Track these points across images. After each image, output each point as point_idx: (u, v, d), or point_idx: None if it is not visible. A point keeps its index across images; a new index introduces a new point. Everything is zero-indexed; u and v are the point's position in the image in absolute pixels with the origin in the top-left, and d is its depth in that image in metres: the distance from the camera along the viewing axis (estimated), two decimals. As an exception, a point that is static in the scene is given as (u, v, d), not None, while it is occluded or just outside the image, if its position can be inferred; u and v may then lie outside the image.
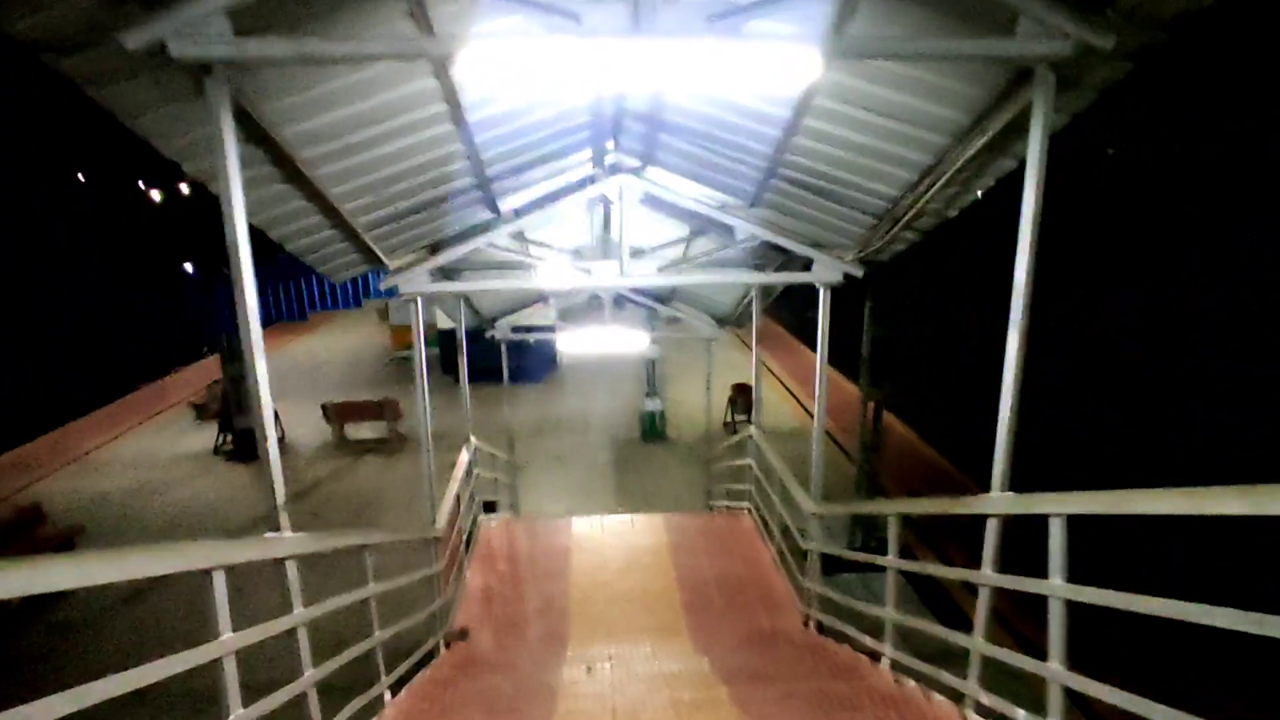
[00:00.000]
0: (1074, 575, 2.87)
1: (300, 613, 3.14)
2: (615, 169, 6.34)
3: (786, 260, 6.93)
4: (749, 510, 8.63)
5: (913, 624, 4.22)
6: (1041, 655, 3.24)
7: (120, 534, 11.31)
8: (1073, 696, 2.93)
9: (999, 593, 3.54)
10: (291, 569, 3.11)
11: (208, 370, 19.71)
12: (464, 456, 7.44)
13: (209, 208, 3.11)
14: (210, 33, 2.65)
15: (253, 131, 3.50)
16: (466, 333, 8.36)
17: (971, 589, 3.78)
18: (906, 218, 4.89)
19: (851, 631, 5.05)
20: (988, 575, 3.41)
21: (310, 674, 3.23)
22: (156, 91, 3.06)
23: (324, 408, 15.07)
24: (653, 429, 15.26)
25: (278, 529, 3.12)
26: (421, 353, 5.75)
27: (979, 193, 4.76)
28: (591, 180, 6.45)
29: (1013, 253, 3.30)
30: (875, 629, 4.76)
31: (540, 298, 11.23)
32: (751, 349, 8.61)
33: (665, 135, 5.60)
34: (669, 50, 2.88)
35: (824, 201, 5.45)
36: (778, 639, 5.89)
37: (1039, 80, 3.01)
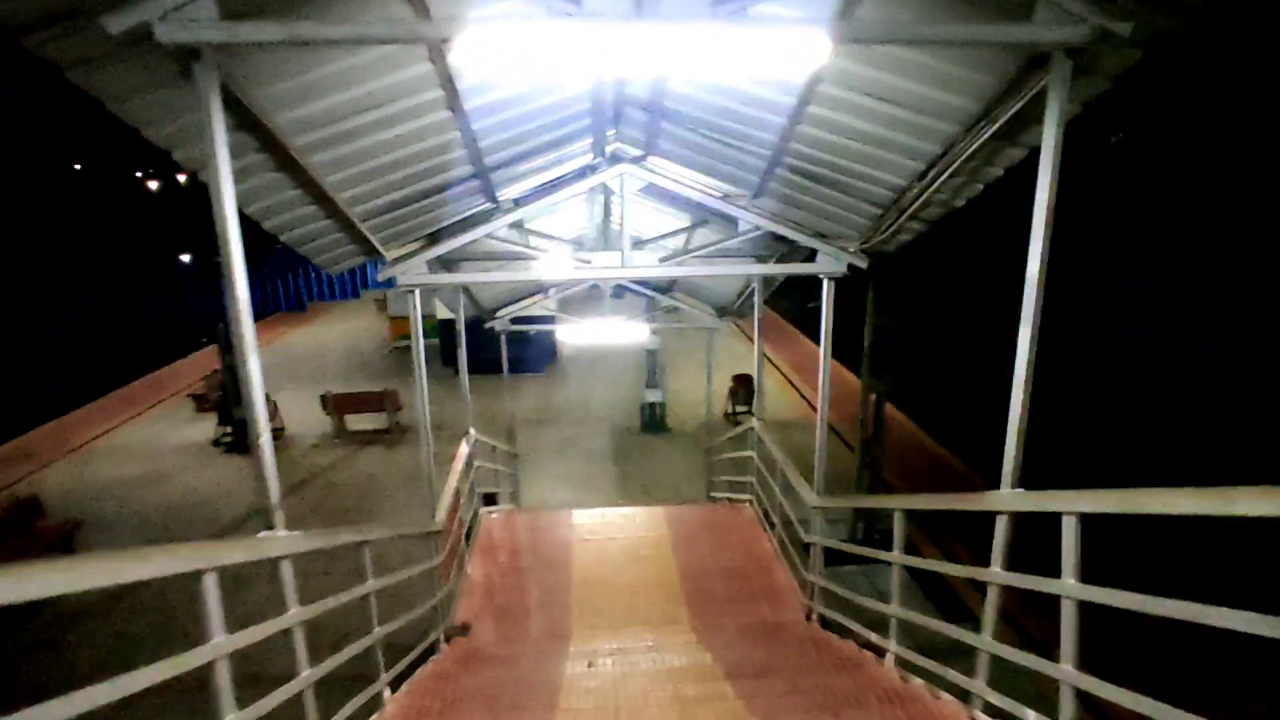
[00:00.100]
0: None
1: (296, 612, 3.08)
2: (616, 158, 6.25)
3: (789, 251, 6.84)
4: (750, 502, 8.58)
5: (919, 621, 4.16)
6: (1047, 652, 3.20)
7: (119, 525, 11.25)
8: (1082, 698, 2.88)
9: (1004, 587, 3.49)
10: (286, 568, 3.04)
11: (207, 360, 19.62)
12: (464, 449, 7.38)
13: (206, 196, 3.03)
14: (198, 16, 2.56)
15: (244, 118, 3.41)
16: (466, 323, 8.28)
17: (976, 583, 3.73)
18: (913, 208, 4.80)
19: (856, 627, 5.00)
20: (996, 573, 3.35)
21: (307, 674, 3.17)
22: (144, 76, 2.97)
23: (323, 398, 14.99)
24: (653, 420, 15.19)
25: (272, 527, 3.05)
26: (420, 346, 5.67)
27: (984, 184, 4.68)
28: (592, 169, 6.36)
29: (1019, 242, 3.22)
30: (879, 622, 4.71)
31: (540, 288, 11.15)
32: (751, 339, 8.54)
33: (667, 123, 5.50)
34: (672, 35, 2.79)
35: (829, 191, 5.35)
36: (780, 632, 5.85)
37: (1055, 66, 2.92)
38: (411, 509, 11.06)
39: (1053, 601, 2.94)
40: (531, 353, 19.17)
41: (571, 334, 11.10)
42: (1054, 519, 2.87)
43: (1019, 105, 3.46)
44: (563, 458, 13.83)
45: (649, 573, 7.20)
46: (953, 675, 3.80)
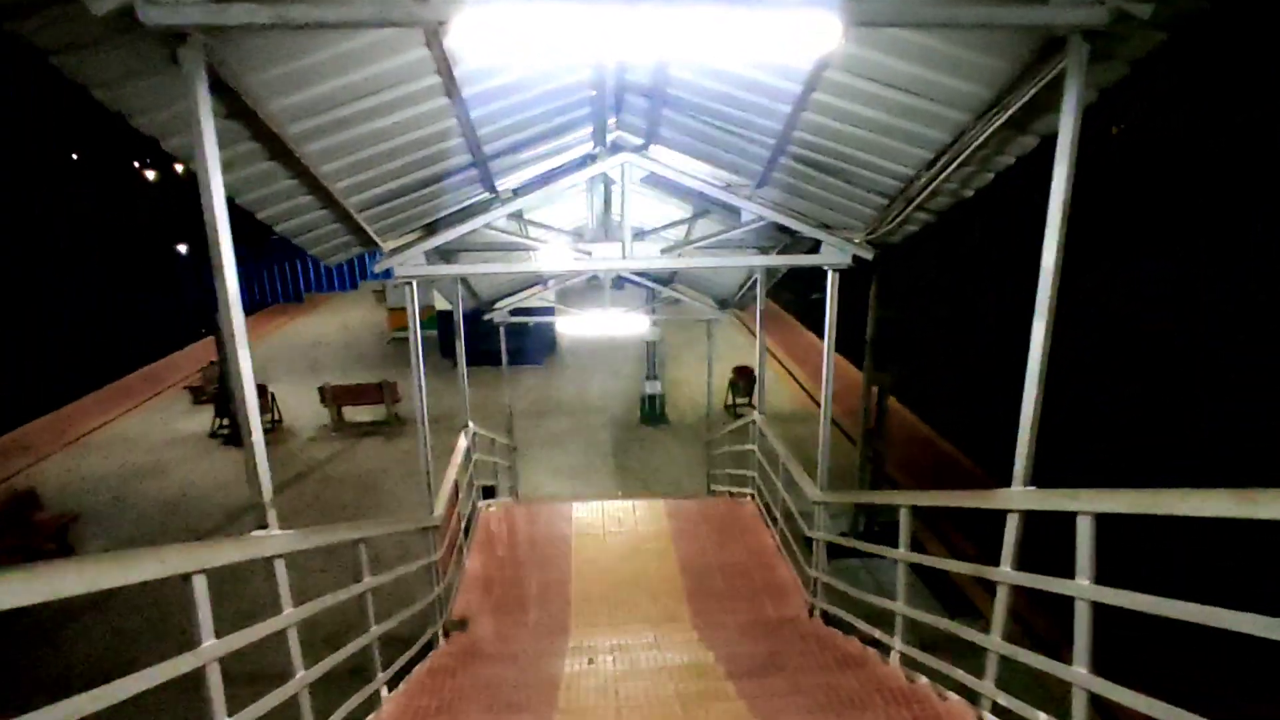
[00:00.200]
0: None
1: (290, 613, 3.00)
2: (617, 147, 6.14)
3: (792, 242, 6.75)
4: (752, 496, 8.52)
5: (926, 620, 4.09)
6: (1057, 653, 3.14)
7: (116, 518, 11.19)
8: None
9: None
10: (280, 568, 2.97)
11: (204, 352, 19.52)
12: (462, 442, 7.30)
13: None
14: (185, -4, 2.46)
15: (235, 106, 3.31)
16: (464, 315, 8.19)
17: (982, 579, 3.66)
18: (920, 198, 4.70)
19: (862, 625, 4.94)
20: (1007, 573, 3.27)
21: (301, 675, 3.10)
22: (131, 62, 2.87)
23: (321, 390, 14.91)
24: (653, 412, 15.12)
25: (265, 526, 2.97)
26: (417, 340, 5.58)
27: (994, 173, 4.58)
28: (592, 159, 6.25)
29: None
30: (882, 617, 4.65)
31: (539, 280, 11.05)
32: (750, 328, 8.46)
33: (669, 111, 5.39)
34: (675, 16, 2.69)
35: (834, 181, 5.25)
36: (783, 628, 5.79)
37: (1072, 51, 2.83)
38: (410, 502, 11.00)
39: (1057, 599, 2.88)
40: (530, 344, 19.08)
41: (571, 326, 11.00)
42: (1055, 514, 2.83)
43: (1033, 91, 3.36)
44: (562, 450, 13.77)
45: (649, 567, 7.14)
46: (960, 675, 3.74)
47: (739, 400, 15.53)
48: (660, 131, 5.86)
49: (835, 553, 6.77)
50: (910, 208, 4.86)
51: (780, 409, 15.12)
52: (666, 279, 11.74)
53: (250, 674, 3.01)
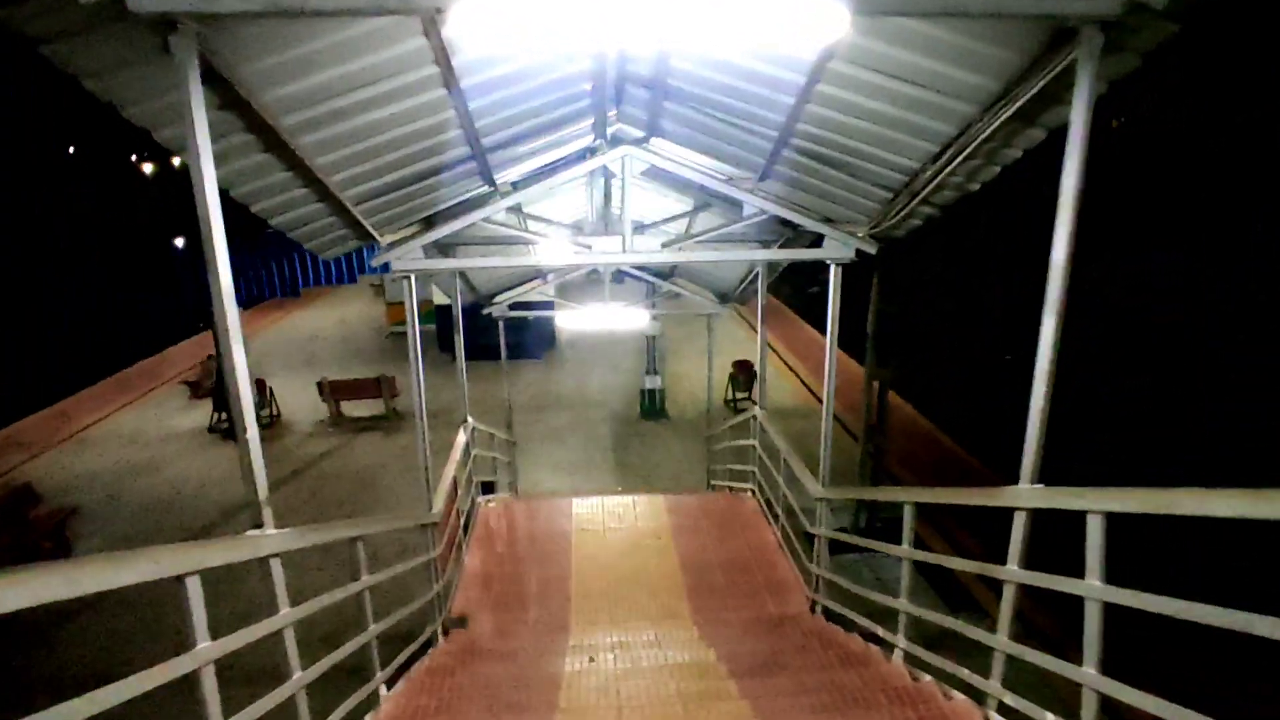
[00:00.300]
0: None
1: (286, 613, 2.96)
2: (617, 139, 6.06)
3: (793, 235, 6.68)
4: (752, 492, 8.48)
5: (930, 617, 4.06)
6: (1058, 647, 3.11)
7: (113, 513, 11.15)
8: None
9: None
10: (276, 567, 2.92)
11: (202, 346, 19.43)
12: (461, 438, 7.25)
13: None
14: (174, -17, 2.39)
15: (229, 96, 3.24)
16: (463, 309, 8.13)
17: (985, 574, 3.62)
18: (925, 191, 4.63)
19: (864, 622, 4.90)
20: (1014, 572, 3.23)
21: (298, 676, 3.06)
22: (121, 51, 2.80)
23: (319, 385, 14.85)
24: (652, 406, 15.08)
25: (260, 525, 2.91)
26: (416, 335, 5.52)
27: (1000, 167, 4.52)
28: (592, 151, 6.18)
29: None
30: (884, 613, 4.61)
31: (538, 274, 10.98)
32: (750, 322, 8.42)
33: (670, 103, 5.31)
34: (677, 2, 2.62)
35: (837, 174, 5.19)
36: (784, 625, 5.76)
37: (1084, 41, 2.76)
38: (409, 497, 10.95)
39: (1059, 595, 2.84)
40: (530, 339, 19.02)
41: (570, 320, 10.94)
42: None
43: (1042, 83, 3.29)
44: (561, 445, 13.73)
45: (649, 564, 7.10)
46: (965, 673, 3.71)
47: (739, 395, 15.49)
48: (661, 124, 5.79)
49: (836, 548, 6.77)
50: (915, 201, 4.80)
51: (780, 404, 15.08)
52: (666, 273, 11.67)
53: (248, 672, 2.98)
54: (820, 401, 15.36)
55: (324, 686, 3.27)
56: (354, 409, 15.08)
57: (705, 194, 7.09)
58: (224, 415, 14.45)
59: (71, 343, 23.49)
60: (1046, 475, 3.28)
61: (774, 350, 18.97)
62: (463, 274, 9.24)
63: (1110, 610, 2.68)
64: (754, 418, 8.11)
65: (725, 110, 5.04)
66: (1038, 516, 3.26)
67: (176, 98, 2.67)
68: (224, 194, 4.05)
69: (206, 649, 2.32)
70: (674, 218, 7.96)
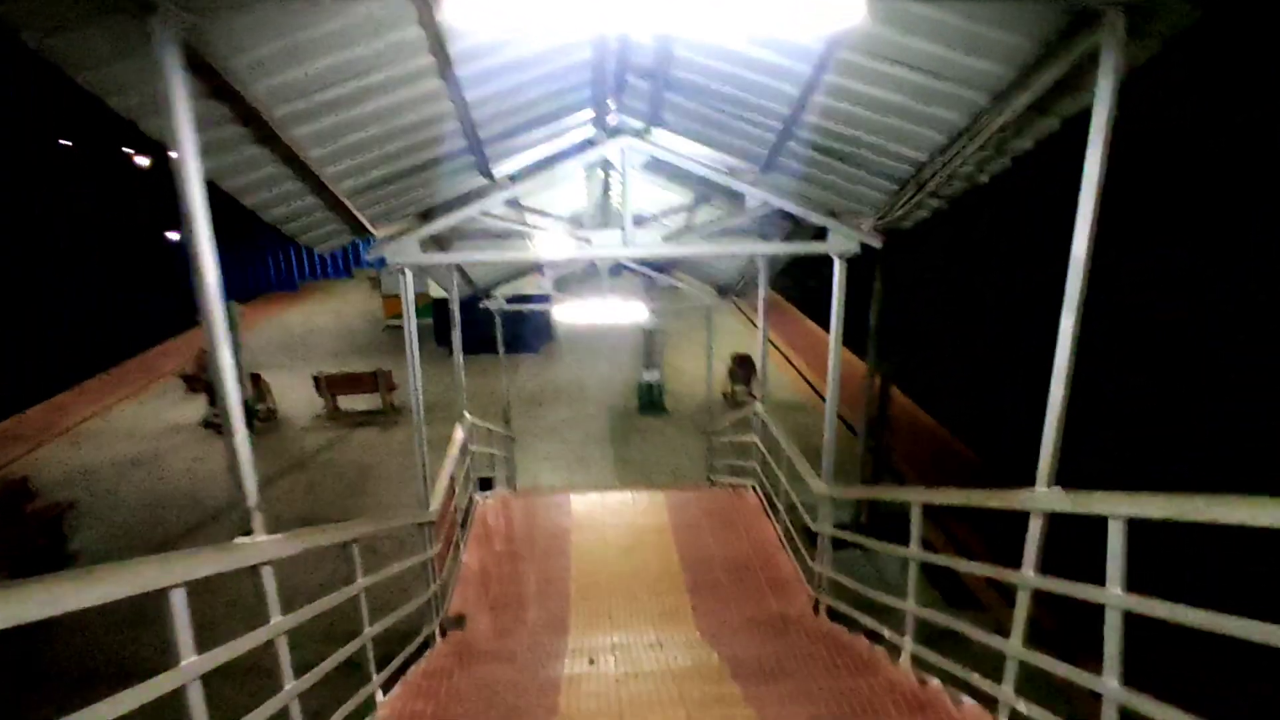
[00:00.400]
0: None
1: (278, 621, 2.85)
2: (617, 131, 5.94)
3: (795, 228, 6.57)
4: (753, 488, 8.40)
5: (938, 619, 3.97)
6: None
7: (110, 508, 11.04)
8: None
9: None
10: (267, 575, 2.81)
11: (198, 340, 19.30)
12: (458, 435, 7.15)
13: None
14: (151, -36, 2.27)
15: (217, 87, 3.12)
16: (460, 301, 8.01)
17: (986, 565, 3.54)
18: (933, 184, 4.53)
19: (868, 622, 4.82)
20: (1029, 577, 3.14)
21: (291, 686, 2.95)
22: (104, 38, 2.67)
23: (316, 379, 14.73)
24: (651, 400, 14.99)
25: (249, 532, 2.81)
26: (412, 330, 5.41)
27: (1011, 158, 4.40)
28: (591, 143, 6.05)
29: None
30: (888, 611, 4.53)
31: (536, 267, 10.86)
32: (748, 315, 8.32)
33: (672, 94, 5.19)
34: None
35: (843, 166, 5.07)
36: (787, 626, 5.67)
37: (1108, 25, 2.65)
38: (406, 492, 10.86)
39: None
40: (527, 332, 18.91)
41: (568, 313, 10.83)
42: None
43: (1057, 73, 3.18)
44: (560, 439, 13.64)
45: (650, 561, 7.02)
46: (976, 679, 3.63)
47: (738, 389, 15.40)
48: (662, 115, 5.67)
49: (837, 543, 6.67)
50: (922, 194, 4.69)
51: (779, 397, 15.00)
52: (665, 266, 11.56)
53: (240, 670, 2.87)
54: (820, 395, 15.33)
55: (318, 688, 3.18)
56: (351, 403, 14.97)
57: (706, 186, 6.97)
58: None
59: (66, 336, 23.33)
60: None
61: (772, 343, 18.88)
62: (460, 267, 9.11)
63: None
64: (755, 413, 8.02)
65: (728, 101, 4.92)
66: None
67: (159, 87, 2.55)
68: (214, 187, 3.96)
69: (193, 664, 2.22)
70: (673, 210, 7.85)
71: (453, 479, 6.41)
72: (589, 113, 5.59)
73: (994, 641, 3.37)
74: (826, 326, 5.66)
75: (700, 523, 7.83)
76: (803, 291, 21.48)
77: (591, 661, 4.88)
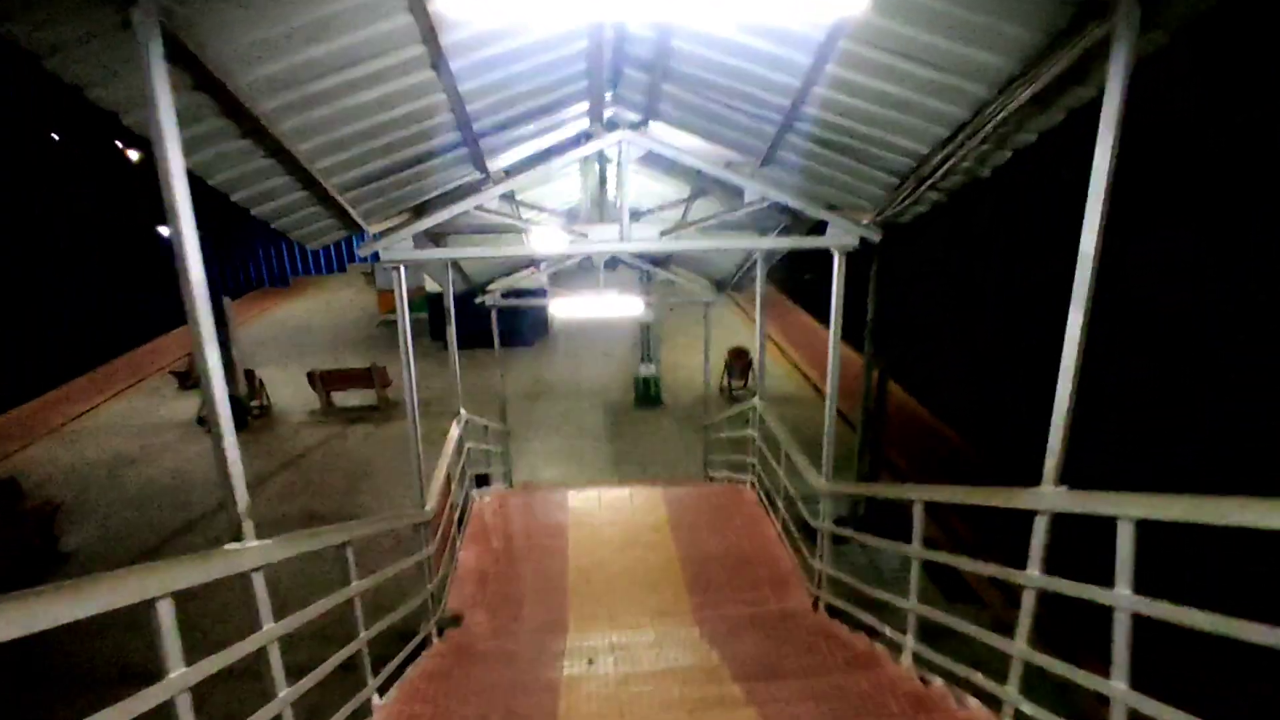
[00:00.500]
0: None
1: (270, 628, 2.79)
2: (613, 124, 5.85)
3: (792, 222, 6.50)
4: (751, 484, 8.35)
5: (941, 619, 3.92)
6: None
7: (103, 505, 10.94)
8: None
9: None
10: (258, 582, 2.75)
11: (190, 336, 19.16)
12: (454, 431, 7.08)
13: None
14: (131, -49, 2.18)
15: (201, 78, 3.03)
16: (455, 297, 7.92)
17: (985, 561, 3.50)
18: (934, 177, 4.46)
19: (869, 619, 4.78)
20: (1034, 577, 3.09)
21: (285, 693, 2.90)
22: (83, 27, 2.58)
23: (310, 376, 14.63)
24: (647, 394, 14.94)
25: (239, 538, 2.73)
26: (406, 327, 5.32)
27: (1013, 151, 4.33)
28: (587, 136, 5.96)
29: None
30: (888, 606, 4.50)
31: (532, 262, 10.76)
32: (744, 309, 8.25)
33: (669, 86, 5.11)
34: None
35: (843, 159, 5.00)
36: (787, 622, 5.63)
37: (1122, 15, 2.58)
38: (402, 487, 10.78)
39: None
40: (523, 326, 18.84)
41: (564, 308, 10.75)
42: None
43: (1064, 65, 3.11)
44: (556, 433, 13.58)
45: (648, 558, 6.96)
46: (979, 679, 3.59)
47: (735, 383, 15.35)
48: (659, 107, 5.58)
49: (835, 537, 6.62)
50: (923, 187, 4.62)
51: (775, 390, 14.95)
52: (662, 261, 11.47)
53: (238, 673, 2.81)
54: (816, 387, 15.29)
55: (313, 690, 3.12)
56: (345, 399, 14.89)
57: (703, 180, 6.89)
58: (213, 406, 14.24)
59: (56, 333, 23.12)
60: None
61: (769, 337, 18.84)
62: (455, 263, 9.02)
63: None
64: (753, 408, 7.97)
65: (727, 93, 4.84)
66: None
67: (141, 79, 2.46)
68: (202, 181, 3.87)
69: (181, 676, 2.16)
70: (670, 204, 7.76)
71: (449, 477, 6.34)
72: (585, 105, 5.50)
73: (999, 642, 3.33)
74: (821, 319, 5.61)
75: (698, 519, 7.78)
76: (795, 283, 21.41)
77: (590, 662, 4.82)
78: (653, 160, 6.66)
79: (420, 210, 5.62)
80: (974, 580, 7.84)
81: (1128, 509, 2.53)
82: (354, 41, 3.32)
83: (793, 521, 6.71)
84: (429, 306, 19.36)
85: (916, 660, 4.19)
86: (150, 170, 2.56)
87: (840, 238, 5.30)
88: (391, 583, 4.44)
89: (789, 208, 5.64)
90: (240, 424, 13.77)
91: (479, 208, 5.52)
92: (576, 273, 14.49)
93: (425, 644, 5.30)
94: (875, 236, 5.33)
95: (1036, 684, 3.26)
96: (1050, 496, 3.03)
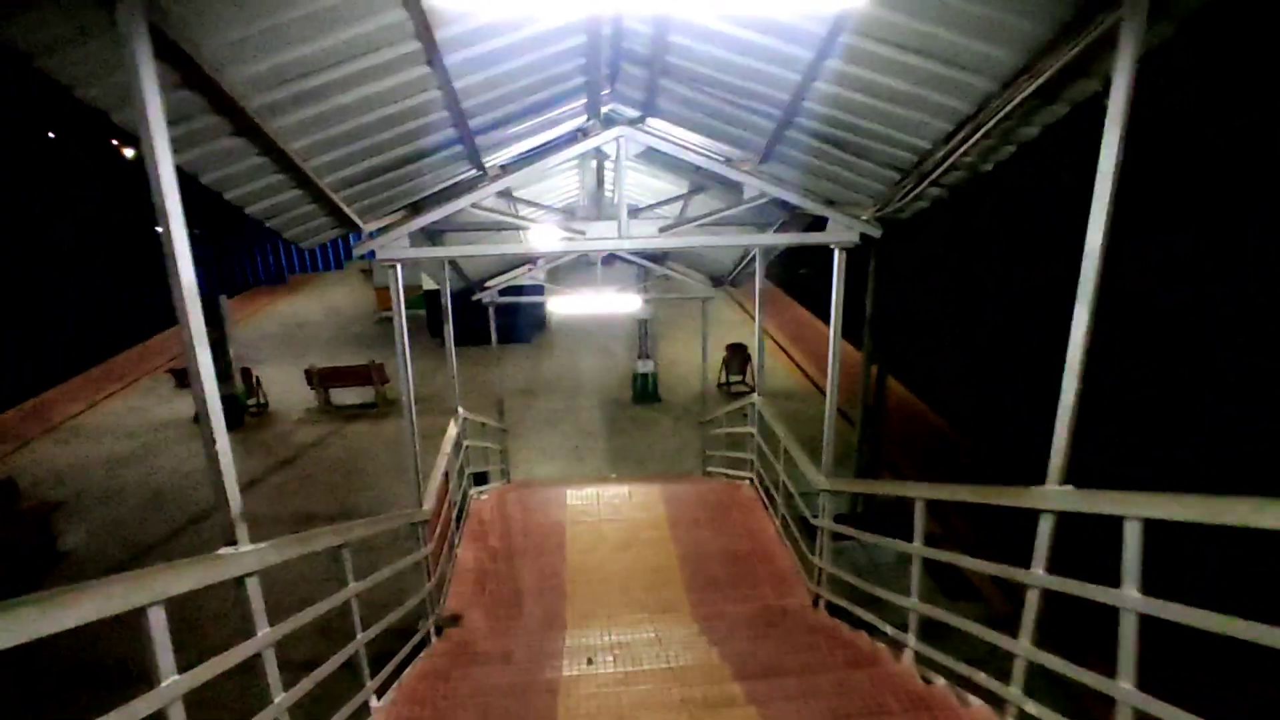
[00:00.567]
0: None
1: (265, 634, 2.75)
2: (611, 120, 5.80)
3: (790, 218, 6.46)
4: (750, 481, 8.32)
5: (943, 618, 3.89)
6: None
7: (101, 505, 10.89)
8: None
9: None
10: (253, 587, 2.71)
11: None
12: (452, 430, 7.03)
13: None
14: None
15: (191, 75, 2.97)
16: (452, 294, 7.87)
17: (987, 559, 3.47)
18: (936, 173, 4.41)
19: (870, 618, 4.75)
20: (1039, 577, 3.06)
21: (281, 699, 2.86)
22: (68, 24, 2.53)
23: (307, 373, 14.58)
24: (645, 390, 14.89)
25: (234, 542, 2.69)
26: (403, 326, 5.27)
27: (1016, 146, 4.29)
28: (585, 133, 5.91)
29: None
30: (888, 603, 4.48)
31: (529, 259, 10.71)
32: (741, 305, 8.20)
33: (668, 81, 5.05)
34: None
35: (844, 155, 4.95)
36: (787, 620, 5.61)
37: (1131, 5, 2.53)
38: (400, 484, 10.75)
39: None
40: (520, 322, 18.79)
41: (562, 305, 10.71)
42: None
43: (1068, 57, 3.07)
44: (554, 430, 13.55)
45: (646, 556, 6.93)
46: (982, 678, 3.56)
47: (732, 378, 15.31)
48: (658, 103, 5.53)
49: (835, 536, 6.59)
50: (925, 183, 4.58)
51: (772, 386, 14.92)
52: (659, 257, 11.43)
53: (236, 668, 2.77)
54: (814, 383, 15.26)
55: (311, 689, 3.09)
56: (343, 396, 14.84)
57: (702, 176, 6.84)
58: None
59: (51, 332, 23.04)
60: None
61: (766, 332, 18.79)
62: (452, 260, 8.97)
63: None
64: (752, 404, 7.93)
65: (726, 88, 4.79)
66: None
67: (128, 76, 2.41)
68: (194, 179, 3.81)
69: (173, 684, 2.12)
70: (668, 200, 7.71)
71: (447, 475, 6.30)
72: (583, 101, 5.45)
73: (1003, 641, 3.30)
74: (818, 313, 5.57)
75: (697, 516, 7.74)
76: (794, 279, 21.34)
77: (590, 661, 4.80)
78: (651, 156, 6.61)
79: (416, 208, 5.57)
80: (974, 576, 7.81)
81: (1135, 509, 2.49)
82: (347, 37, 3.26)
83: (791, 518, 6.68)
84: (426, 303, 19.30)
85: (918, 659, 4.17)
86: (144, 168, 2.52)
87: (841, 234, 5.26)
88: (390, 580, 4.40)
89: (787, 203, 5.60)
90: (238, 422, 13.75)
91: (476, 205, 5.47)
92: (574, 269, 14.46)
93: (424, 644, 5.27)
94: (876, 232, 5.28)
95: (1036, 682, 3.24)
96: (1055, 496, 2.99)
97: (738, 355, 15.24)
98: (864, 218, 5.29)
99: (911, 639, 4.22)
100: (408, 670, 4.64)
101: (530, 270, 11.19)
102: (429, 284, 18.43)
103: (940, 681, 3.89)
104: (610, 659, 4.80)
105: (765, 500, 7.67)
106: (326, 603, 3.38)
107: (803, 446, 6.14)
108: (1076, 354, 2.91)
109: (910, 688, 3.91)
